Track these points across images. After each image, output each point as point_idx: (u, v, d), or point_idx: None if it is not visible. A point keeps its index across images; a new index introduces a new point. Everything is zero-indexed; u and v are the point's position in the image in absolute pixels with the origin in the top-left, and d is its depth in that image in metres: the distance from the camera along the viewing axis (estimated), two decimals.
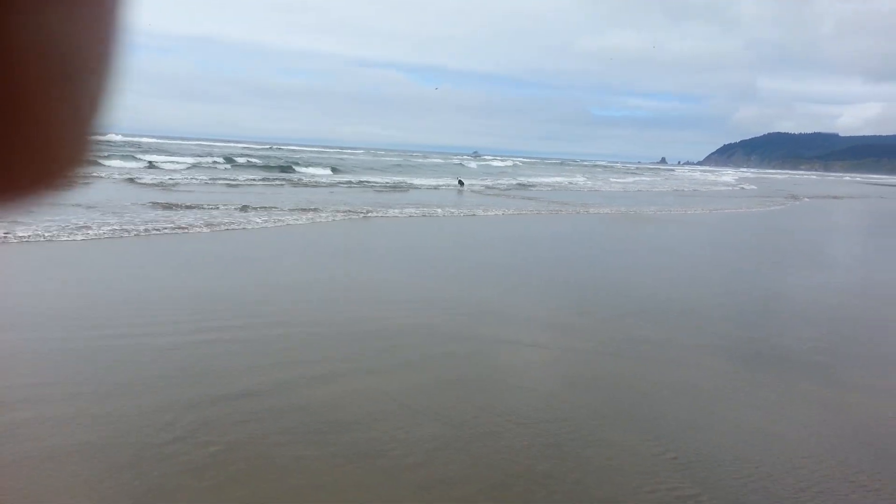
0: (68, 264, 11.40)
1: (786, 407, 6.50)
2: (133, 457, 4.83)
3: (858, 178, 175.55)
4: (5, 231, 12.56)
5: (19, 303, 8.71)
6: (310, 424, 5.52)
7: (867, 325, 10.30)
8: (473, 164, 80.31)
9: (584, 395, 6.54)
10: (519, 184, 48.00)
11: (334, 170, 53.66)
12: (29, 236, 12.60)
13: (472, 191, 38.74)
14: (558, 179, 57.99)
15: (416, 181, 43.03)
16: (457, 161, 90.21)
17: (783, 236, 23.93)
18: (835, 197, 57.13)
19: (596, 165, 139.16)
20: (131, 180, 29.14)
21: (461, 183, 42.97)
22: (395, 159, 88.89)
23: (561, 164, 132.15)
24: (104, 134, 0.48)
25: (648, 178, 77.11)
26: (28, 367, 6.57)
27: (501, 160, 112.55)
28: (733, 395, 6.72)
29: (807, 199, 49.51)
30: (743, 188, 63.91)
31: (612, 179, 66.47)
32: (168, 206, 19.65)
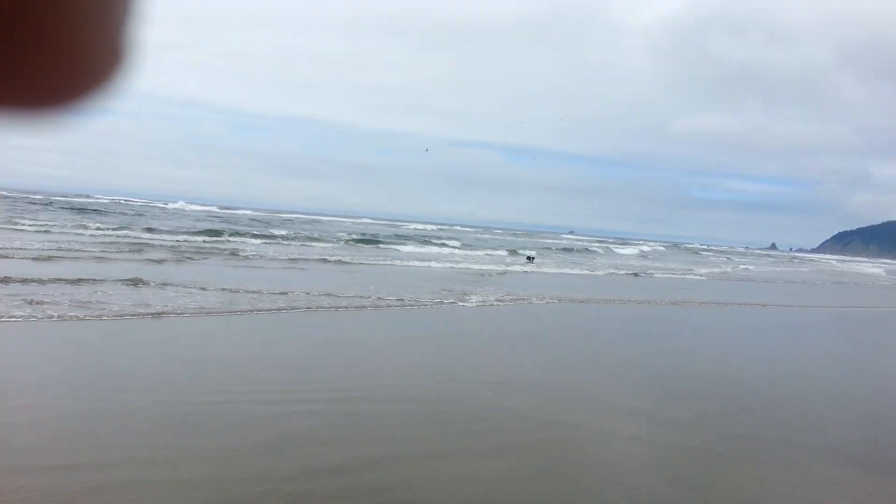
0: (177, 334, 11.97)
1: None
2: None
3: None
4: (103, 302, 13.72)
5: (129, 369, 9.06)
6: None
7: None
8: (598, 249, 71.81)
9: (687, 496, 6.10)
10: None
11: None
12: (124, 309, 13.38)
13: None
14: (713, 270, 51.96)
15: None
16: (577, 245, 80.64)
17: None
18: None
19: (709, 249, 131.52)
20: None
21: (530, 259, 41.22)
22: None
23: (688, 249, 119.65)
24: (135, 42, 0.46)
25: (784, 268, 70.51)
26: (134, 430, 6.67)
27: (629, 245, 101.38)
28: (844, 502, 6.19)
29: None
30: None
31: (750, 268, 60.63)
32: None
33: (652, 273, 40.43)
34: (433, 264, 32.70)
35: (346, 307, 15.66)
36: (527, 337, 14.65)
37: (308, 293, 16.84)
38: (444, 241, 56.44)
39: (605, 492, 6.06)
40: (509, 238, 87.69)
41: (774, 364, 13.49)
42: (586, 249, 67.27)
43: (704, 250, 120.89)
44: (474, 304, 18.17)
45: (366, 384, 9.04)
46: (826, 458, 7.47)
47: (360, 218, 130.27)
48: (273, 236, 43.98)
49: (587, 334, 15.91)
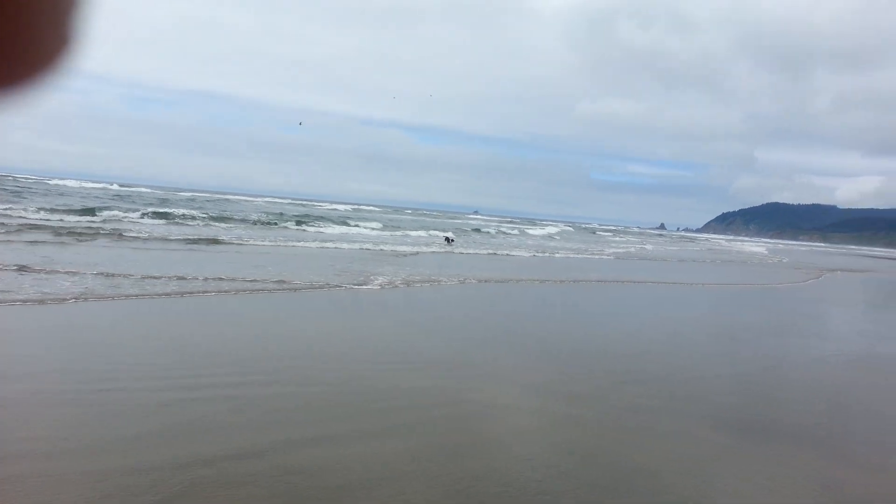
0: (59, 319, 11.25)
1: (782, 482, 6.38)
2: None
3: (867, 251, 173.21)
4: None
5: (15, 357, 8.74)
6: (304, 490, 5.38)
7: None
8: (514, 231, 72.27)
9: (584, 466, 6.39)
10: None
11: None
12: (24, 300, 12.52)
13: None
14: (618, 249, 54.76)
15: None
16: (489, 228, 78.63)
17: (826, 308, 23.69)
18: (862, 270, 56.50)
19: (607, 229, 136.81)
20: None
21: (448, 241, 39.64)
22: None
23: (587, 229, 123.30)
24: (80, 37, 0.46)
25: (677, 247, 74.79)
26: (16, 419, 6.48)
27: (544, 225, 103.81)
28: (734, 468, 6.60)
29: (840, 272, 49.28)
30: (781, 260, 62.62)
31: (647, 247, 64.19)
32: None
33: (566, 254, 41.79)
34: (345, 246, 32.08)
35: (247, 290, 15.19)
36: (434, 317, 14.72)
37: (207, 277, 16.22)
38: (357, 223, 55.33)
39: (504, 464, 6.22)
40: (426, 219, 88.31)
41: (668, 338, 14.12)
42: (500, 232, 67.41)
43: (602, 230, 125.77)
44: (379, 286, 17.95)
45: (266, 368, 8.90)
46: (711, 425, 7.93)
47: (267, 197, 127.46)
48: (171, 216, 41.58)
49: (494, 313, 15.98)
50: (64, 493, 5.00)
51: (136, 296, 13.22)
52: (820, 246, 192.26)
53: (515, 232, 69.89)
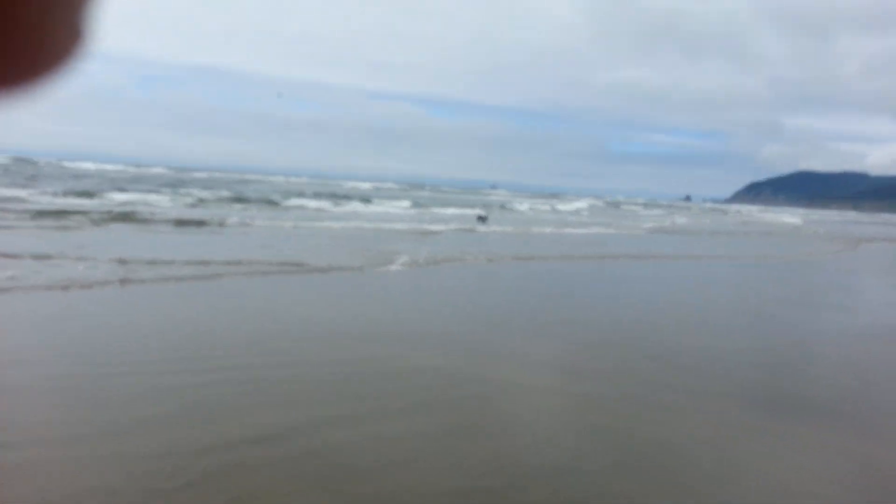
0: (68, 302, 11.22)
1: (812, 460, 6.26)
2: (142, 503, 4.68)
3: None
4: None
5: (29, 341, 8.74)
6: (326, 472, 5.33)
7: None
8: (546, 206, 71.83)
9: (604, 445, 6.29)
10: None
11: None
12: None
13: None
14: (661, 223, 53.75)
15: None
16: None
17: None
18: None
19: (645, 203, 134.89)
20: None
21: (482, 219, 36.52)
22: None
23: (611, 203, 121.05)
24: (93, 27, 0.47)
25: (709, 219, 73.48)
26: (32, 405, 6.47)
27: (571, 200, 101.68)
28: (757, 446, 6.45)
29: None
30: (817, 231, 61.56)
31: (680, 220, 63.11)
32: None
33: (598, 229, 41.12)
34: (383, 225, 31.68)
35: (263, 273, 15.07)
36: (459, 297, 14.50)
37: (229, 261, 16.16)
38: (383, 201, 55.22)
39: (521, 444, 6.16)
40: (449, 196, 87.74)
41: (695, 314, 13.99)
42: (530, 208, 66.34)
43: (629, 203, 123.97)
44: (400, 267, 17.71)
45: (284, 350, 8.82)
46: (737, 402, 7.81)
47: (280, 175, 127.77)
48: (205, 201, 41.15)
49: (519, 292, 15.82)
50: (84, 477, 5.02)
51: (156, 280, 13.16)
52: (852, 215, 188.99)
53: (546, 208, 69.24)
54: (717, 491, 5.48)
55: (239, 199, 43.12)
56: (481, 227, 34.16)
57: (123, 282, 12.55)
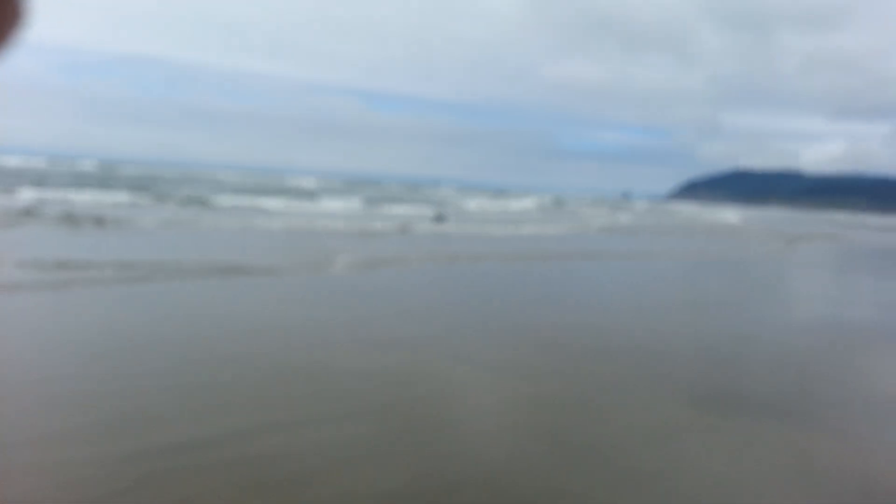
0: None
1: (752, 453, 6.38)
2: None
3: (834, 217, 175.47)
4: None
5: None
6: (261, 477, 5.26)
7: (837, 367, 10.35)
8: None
9: (547, 444, 6.33)
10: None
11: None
12: None
13: None
14: (606, 221, 54.42)
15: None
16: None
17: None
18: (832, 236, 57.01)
19: (585, 199, 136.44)
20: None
21: (438, 218, 35.89)
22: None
23: (559, 201, 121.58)
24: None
25: (653, 219, 74.67)
26: None
27: (520, 197, 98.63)
28: (699, 441, 6.62)
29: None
30: (754, 228, 63.52)
31: (622, 219, 63.99)
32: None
33: (545, 228, 41.41)
34: (327, 224, 31.25)
35: (196, 274, 14.83)
36: (401, 299, 14.42)
37: (154, 263, 16.07)
38: (330, 199, 54.60)
39: (463, 445, 6.16)
40: (406, 193, 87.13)
41: (638, 313, 14.25)
42: (478, 207, 65.14)
43: (573, 200, 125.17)
44: (341, 268, 17.57)
45: (220, 355, 8.59)
46: (679, 399, 7.95)
47: (212, 169, 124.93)
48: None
49: (466, 293, 15.79)
50: (13, 487, 4.88)
51: (75, 283, 12.72)
52: (789, 213, 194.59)
53: (494, 206, 69.34)
54: (658, 485, 5.56)
55: (168, 196, 41.72)
56: (437, 227, 34.06)
57: (39, 286, 12.03)
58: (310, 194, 59.26)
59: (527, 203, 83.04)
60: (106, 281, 12.93)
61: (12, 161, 76.84)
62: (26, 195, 33.73)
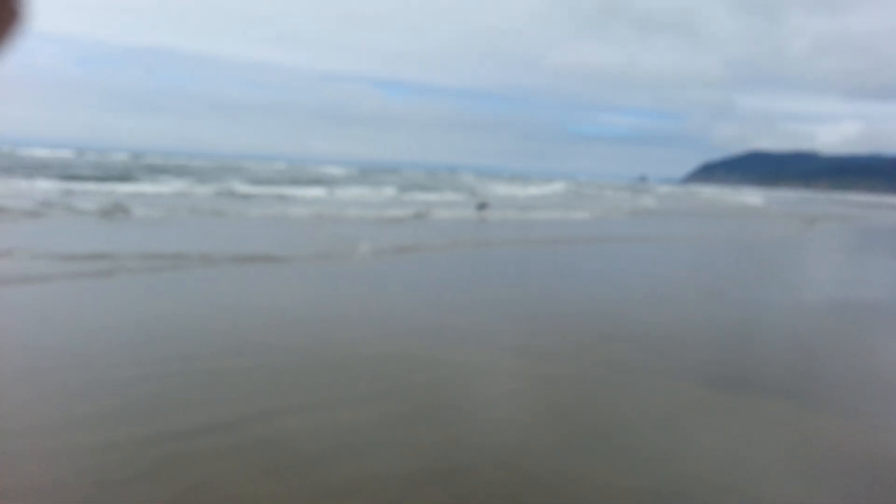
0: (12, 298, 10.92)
1: (761, 433, 6.45)
2: (91, 497, 4.63)
3: (852, 199, 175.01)
4: None
5: None
6: (279, 460, 5.33)
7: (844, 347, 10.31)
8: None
9: (561, 425, 6.41)
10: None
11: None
12: None
13: None
14: (633, 205, 55.83)
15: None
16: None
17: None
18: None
19: (596, 184, 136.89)
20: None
21: (482, 206, 35.30)
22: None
23: (584, 185, 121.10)
24: None
25: (679, 202, 75.92)
26: None
27: (543, 183, 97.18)
28: (710, 422, 6.68)
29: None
30: (778, 211, 64.48)
31: (648, 203, 65.23)
32: None
33: (577, 213, 41.08)
34: (370, 213, 30.97)
35: (225, 262, 14.98)
36: (415, 285, 14.50)
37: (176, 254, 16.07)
38: (369, 186, 54.82)
39: (478, 426, 6.25)
40: (432, 181, 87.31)
41: (652, 295, 14.25)
42: (509, 194, 64.40)
43: (596, 186, 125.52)
44: (356, 257, 17.73)
45: (238, 341, 8.71)
46: (689, 379, 8.01)
47: (232, 158, 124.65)
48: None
49: (480, 277, 15.84)
50: (31, 472, 4.94)
51: (100, 274, 12.94)
52: (807, 194, 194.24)
53: (521, 192, 69.16)
54: (668, 463, 5.62)
55: (194, 188, 41.63)
56: (483, 214, 34.26)
57: (64, 275, 12.22)
58: (336, 182, 59.48)
59: (554, 188, 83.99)
60: (134, 270, 13.12)
61: (40, 153, 77.74)
62: (54, 186, 34.24)
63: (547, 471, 5.38)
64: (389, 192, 51.67)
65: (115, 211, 24.01)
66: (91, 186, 36.03)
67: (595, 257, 20.95)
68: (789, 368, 8.82)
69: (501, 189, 70.51)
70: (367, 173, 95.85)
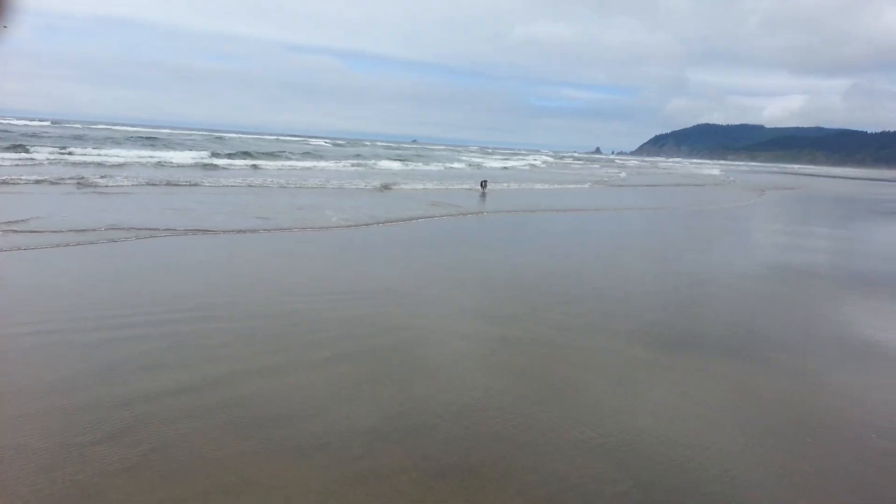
0: None
1: (705, 390, 6.76)
2: (56, 459, 4.66)
3: (795, 169, 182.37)
4: None
5: None
6: (244, 420, 5.44)
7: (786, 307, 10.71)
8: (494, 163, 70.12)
9: (517, 383, 6.64)
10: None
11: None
12: None
13: None
14: (599, 177, 57.12)
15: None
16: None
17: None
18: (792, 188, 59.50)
19: (564, 155, 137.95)
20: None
21: (484, 185, 34.29)
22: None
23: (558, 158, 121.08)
24: None
25: (652, 171, 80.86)
26: None
27: (524, 156, 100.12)
28: (658, 380, 6.96)
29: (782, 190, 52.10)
30: (732, 181, 68.69)
31: (618, 174, 68.45)
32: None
33: (547, 185, 42.05)
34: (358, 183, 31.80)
35: (184, 232, 15.00)
36: (385, 252, 14.59)
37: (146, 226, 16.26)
38: (370, 160, 54.69)
39: (437, 385, 6.42)
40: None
41: (606, 261, 14.66)
42: (478, 165, 64.16)
43: (569, 158, 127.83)
44: (335, 224, 18.03)
45: (204, 305, 8.83)
46: (637, 340, 8.29)
47: (203, 131, 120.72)
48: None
49: (451, 244, 16.07)
50: (2, 434, 4.96)
51: (65, 243, 13.00)
52: (753, 165, 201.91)
53: (498, 164, 69.57)
54: (617, 418, 5.89)
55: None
56: (488, 188, 34.78)
57: (36, 245, 12.37)
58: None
59: (531, 161, 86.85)
60: (102, 240, 13.09)
61: (19, 124, 76.92)
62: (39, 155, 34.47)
63: (505, 426, 5.61)
64: (396, 165, 52.92)
65: (84, 185, 23.67)
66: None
67: (575, 226, 21.45)
68: (734, 330, 9.16)
69: (486, 164, 69.34)
70: (336, 147, 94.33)
